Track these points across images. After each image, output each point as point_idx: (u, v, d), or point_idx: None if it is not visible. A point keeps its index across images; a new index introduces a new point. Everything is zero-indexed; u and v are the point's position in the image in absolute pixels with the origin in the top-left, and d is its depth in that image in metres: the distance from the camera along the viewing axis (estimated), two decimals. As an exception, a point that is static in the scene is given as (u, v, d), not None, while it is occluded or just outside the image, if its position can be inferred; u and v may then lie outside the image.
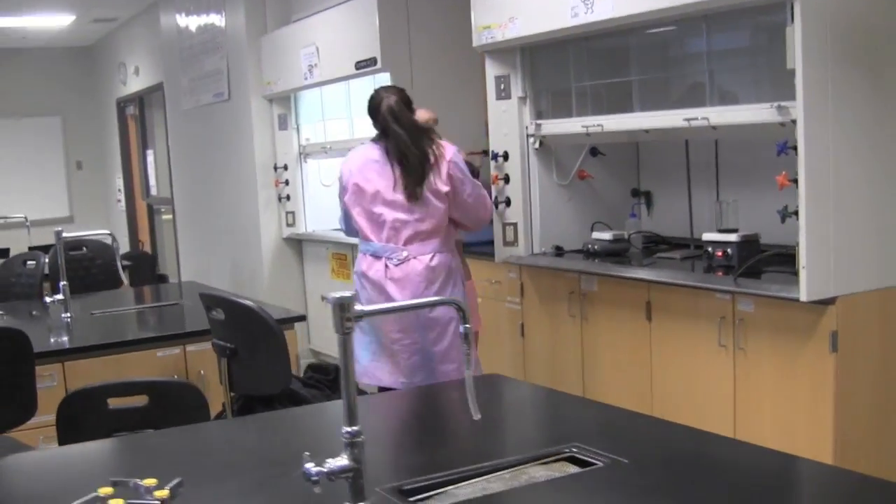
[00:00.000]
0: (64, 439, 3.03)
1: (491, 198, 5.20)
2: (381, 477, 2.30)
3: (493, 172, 5.76)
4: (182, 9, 9.78)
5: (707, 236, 4.82)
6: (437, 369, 4.47)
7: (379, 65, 6.71)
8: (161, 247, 12.18)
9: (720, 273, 4.54)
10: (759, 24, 4.49)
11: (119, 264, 5.42)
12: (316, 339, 8.32)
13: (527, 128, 5.60)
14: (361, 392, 4.24)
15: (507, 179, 5.69)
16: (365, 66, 6.86)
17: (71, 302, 4.81)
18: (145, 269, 8.53)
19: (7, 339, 3.68)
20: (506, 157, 5.68)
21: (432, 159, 4.49)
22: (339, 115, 7.98)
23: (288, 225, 8.49)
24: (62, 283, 4.79)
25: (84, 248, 6.94)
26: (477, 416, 2.23)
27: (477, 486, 2.28)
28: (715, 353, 4.51)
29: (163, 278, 9.01)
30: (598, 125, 5.14)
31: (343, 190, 4.63)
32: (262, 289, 8.46)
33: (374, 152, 4.58)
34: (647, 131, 4.92)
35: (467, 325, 2.21)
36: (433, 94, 6.41)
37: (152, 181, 12.36)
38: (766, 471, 2.31)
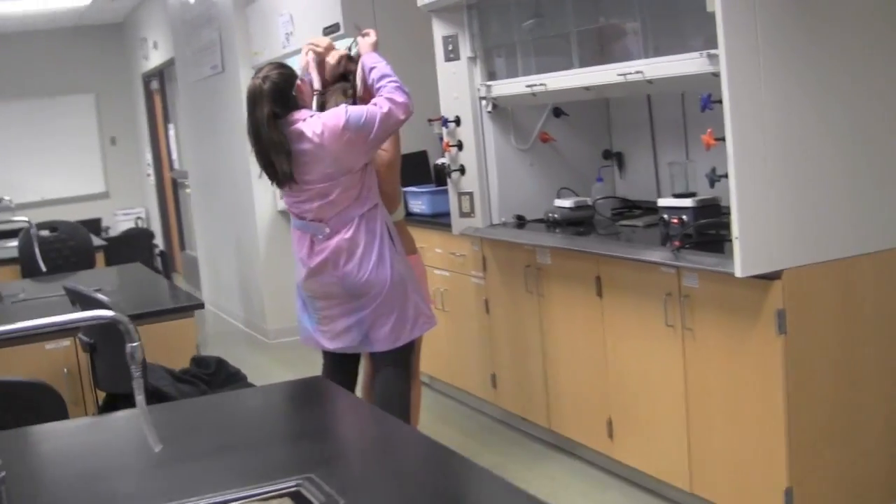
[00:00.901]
0: None
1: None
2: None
3: (444, 139, 5.32)
4: (183, -21, 9.50)
5: (662, 202, 4.37)
6: (369, 336, 4.24)
7: (342, 30, 6.29)
8: (186, 221, 11.98)
9: (677, 243, 4.05)
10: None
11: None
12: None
13: (478, 90, 5.14)
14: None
15: (460, 146, 5.25)
16: (330, 31, 6.45)
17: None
18: (144, 246, 8.28)
19: None
20: (457, 122, 5.24)
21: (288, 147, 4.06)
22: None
23: (281, 197, 8.13)
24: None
25: (57, 230, 6.71)
26: (157, 448, 1.84)
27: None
28: (663, 333, 4.05)
29: (164, 256, 8.75)
30: (542, 84, 4.67)
31: None
32: (258, 262, 8.18)
33: None
34: (587, 89, 4.43)
35: (134, 345, 1.82)
36: (397, 60, 5.95)
37: (174, 155, 12.16)
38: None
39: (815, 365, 3.56)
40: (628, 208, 5.14)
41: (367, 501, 1.96)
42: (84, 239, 6.71)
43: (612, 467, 4.63)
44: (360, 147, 4.06)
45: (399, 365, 4.31)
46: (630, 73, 4.06)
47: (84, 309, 3.37)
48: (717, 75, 3.51)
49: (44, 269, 4.81)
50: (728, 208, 3.59)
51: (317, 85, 4.26)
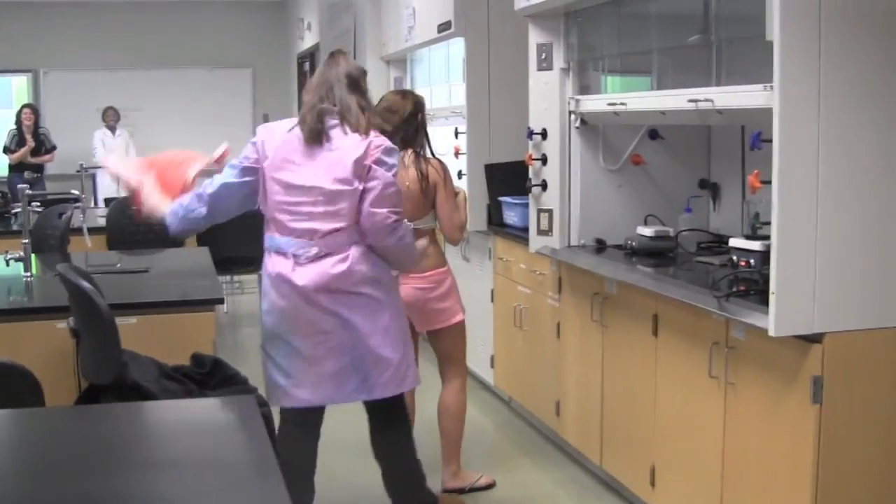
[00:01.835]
0: None
1: None
2: None
3: (528, 152, 5.09)
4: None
5: (734, 242, 4.03)
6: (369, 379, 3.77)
7: (453, 29, 6.14)
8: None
9: (742, 287, 3.74)
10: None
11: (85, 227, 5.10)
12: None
13: (568, 103, 4.90)
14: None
15: (544, 160, 5.02)
16: (444, 29, 6.31)
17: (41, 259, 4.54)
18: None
19: None
20: (544, 135, 5.01)
21: None
22: (441, 80, 7.45)
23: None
24: (24, 242, 4.55)
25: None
26: None
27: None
28: (707, 385, 3.76)
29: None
30: (623, 104, 4.40)
31: None
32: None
33: None
34: (663, 113, 4.15)
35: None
36: (511, 64, 5.80)
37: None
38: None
39: (852, 442, 3.21)
40: (717, 243, 4.82)
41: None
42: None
43: (654, 517, 4.35)
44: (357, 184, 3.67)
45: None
46: (700, 101, 3.76)
47: (70, 297, 3.31)
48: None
49: (89, 244, 4.81)
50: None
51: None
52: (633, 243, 4.68)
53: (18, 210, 5.89)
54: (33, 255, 4.68)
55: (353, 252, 3.68)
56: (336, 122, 3.71)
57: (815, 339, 3.17)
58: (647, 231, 4.69)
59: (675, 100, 4.02)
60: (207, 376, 3.41)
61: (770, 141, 3.16)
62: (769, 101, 3.26)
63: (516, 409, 5.98)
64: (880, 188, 3.20)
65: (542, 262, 5.27)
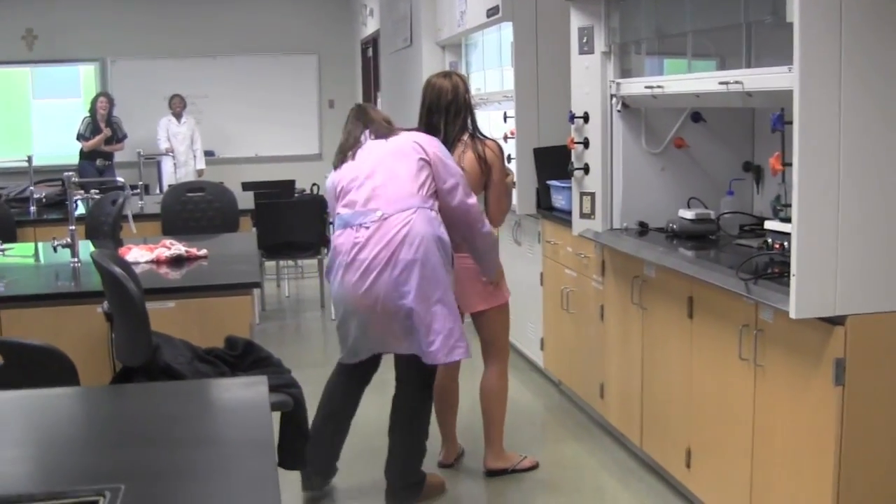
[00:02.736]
0: None
1: None
2: None
3: (570, 135, 5.12)
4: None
5: (769, 225, 4.02)
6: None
7: (500, 13, 6.16)
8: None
9: (776, 270, 3.74)
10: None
11: (129, 215, 5.22)
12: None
13: (609, 86, 4.91)
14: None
15: (586, 144, 5.04)
16: (492, 13, 6.34)
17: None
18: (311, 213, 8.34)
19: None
20: (586, 118, 5.03)
21: None
22: (494, 64, 7.47)
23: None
24: (71, 228, 4.67)
25: (204, 191, 6.86)
26: None
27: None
28: (738, 367, 3.77)
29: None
30: (660, 86, 4.41)
31: None
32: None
33: None
34: (697, 95, 4.15)
35: None
36: (559, 48, 5.80)
37: (381, 123, 12.26)
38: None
39: (874, 423, 3.21)
40: (759, 226, 4.80)
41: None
42: (230, 201, 6.84)
43: (691, 497, 4.37)
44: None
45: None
46: (730, 83, 3.76)
47: (103, 282, 3.42)
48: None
49: (133, 230, 4.93)
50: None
51: None
52: (675, 226, 4.69)
53: (79, 198, 6.05)
54: (87, 241, 4.81)
55: None
56: None
57: (837, 321, 3.17)
58: (689, 214, 4.69)
59: (708, 82, 4.02)
60: (239, 358, 3.50)
61: (791, 122, 3.16)
62: (792, 82, 3.26)
63: (565, 392, 6.02)
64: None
65: (587, 246, 5.29)
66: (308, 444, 3.64)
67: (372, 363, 4.40)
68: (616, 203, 4.98)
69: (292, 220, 8.09)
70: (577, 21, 5.03)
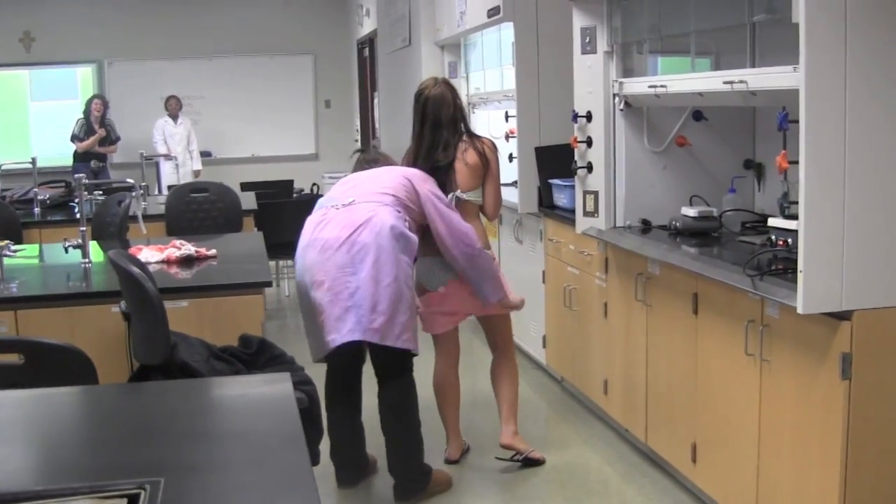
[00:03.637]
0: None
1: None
2: None
3: (574, 134, 5.17)
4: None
5: (772, 222, 4.08)
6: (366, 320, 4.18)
7: (501, 14, 6.21)
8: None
9: (780, 266, 3.80)
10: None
11: (139, 215, 5.25)
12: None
13: (612, 86, 4.97)
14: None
15: (589, 143, 5.10)
16: (493, 14, 6.39)
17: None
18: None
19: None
20: (588, 117, 5.08)
21: None
22: (494, 64, 7.53)
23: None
24: (82, 229, 4.72)
25: (207, 191, 6.90)
26: None
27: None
28: (744, 362, 3.82)
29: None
30: (663, 86, 4.47)
31: None
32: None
33: None
34: (701, 94, 4.21)
35: None
36: (559, 48, 5.85)
37: (377, 123, 12.35)
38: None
39: (881, 417, 3.27)
40: (761, 223, 4.86)
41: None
42: (233, 202, 6.88)
43: (696, 492, 4.42)
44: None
45: None
46: (735, 82, 3.82)
47: (121, 282, 3.46)
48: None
49: (144, 231, 4.98)
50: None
51: None
52: (677, 223, 4.75)
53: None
54: (94, 243, 4.85)
55: None
56: None
57: (844, 316, 3.23)
58: (691, 211, 4.75)
59: (711, 81, 4.08)
60: (254, 356, 3.56)
61: (797, 121, 3.21)
62: (798, 81, 3.32)
63: (568, 389, 6.07)
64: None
65: (590, 243, 5.35)
66: (321, 439, 3.70)
67: (354, 354, 4.47)
68: (619, 201, 5.04)
69: (291, 220, 8.09)
70: (579, 21, 5.08)
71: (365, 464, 4.69)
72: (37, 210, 7.06)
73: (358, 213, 4.21)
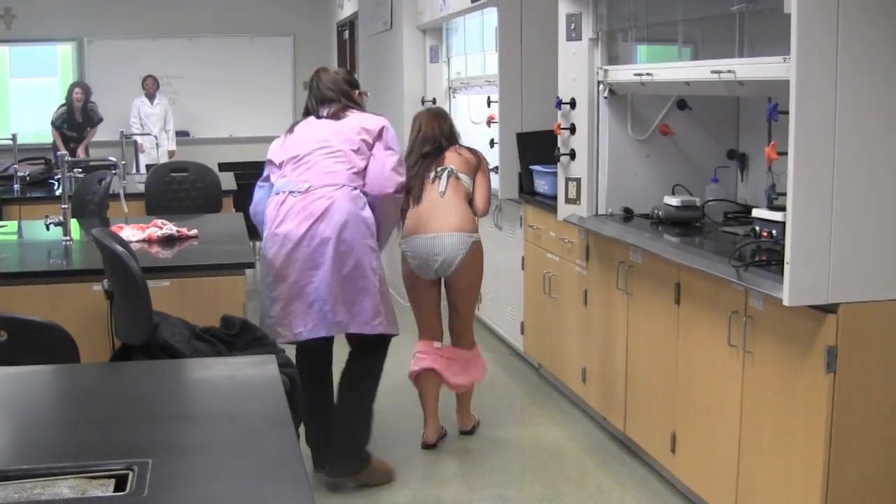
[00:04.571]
0: None
1: None
2: None
3: (557, 121, 5.16)
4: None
5: (757, 212, 4.08)
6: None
7: (487, -2, 6.19)
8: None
9: (764, 258, 3.79)
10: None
11: (122, 193, 5.19)
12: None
13: (596, 73, 4.95)
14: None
15: (572, 129, 5.08)
16: (477, -1, 6.36)
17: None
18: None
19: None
20: (572, 104, 5.06)
21: None
22: (476, 49, 7.49)
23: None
24: (63, 207, 4.67)
25: (188, 171, 6.84)
26: None
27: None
28: (726, 353, 3.82)
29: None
30: (649, 74, 4.45)
31: None
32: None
33: None
34: (688, 84, 4.20)
35: None
36: (543, 34, 5.83)
37: (356, 107, 12.25)
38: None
39: (865, 411, 3.27)
40: (744, 214, 4.86)
41: (175, 497, 1.89)
42: (213, 182, 6.82)
43: (674, 482, 4.43)
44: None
45: None
46: (723, 72, 3.81)
47: (104, 260, 3.43)
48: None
49: (126, 209, 4.93)
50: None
51: None
52: (660, 212, 4.74)
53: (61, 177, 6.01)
54: (74, 220, 4.80)
55: None
56: None
57: (829, 309, 3.23)
58: (674, 201, 4.74)
59: (699, 71, 4.07)
60: (236, 337, 3.53)
61: (787, 112, 3.21)
62: (788, 72, 3.31)
63: (545, 376, 6.07)
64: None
65: (571, 231, 5.34)
66: (301, 422, 3.68)
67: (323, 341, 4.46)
68: (601, 189, 5.03)
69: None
70: (564, 7, 5.06)
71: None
72: (16, 187, 6.98)
73: (315, 202, 4.20)
